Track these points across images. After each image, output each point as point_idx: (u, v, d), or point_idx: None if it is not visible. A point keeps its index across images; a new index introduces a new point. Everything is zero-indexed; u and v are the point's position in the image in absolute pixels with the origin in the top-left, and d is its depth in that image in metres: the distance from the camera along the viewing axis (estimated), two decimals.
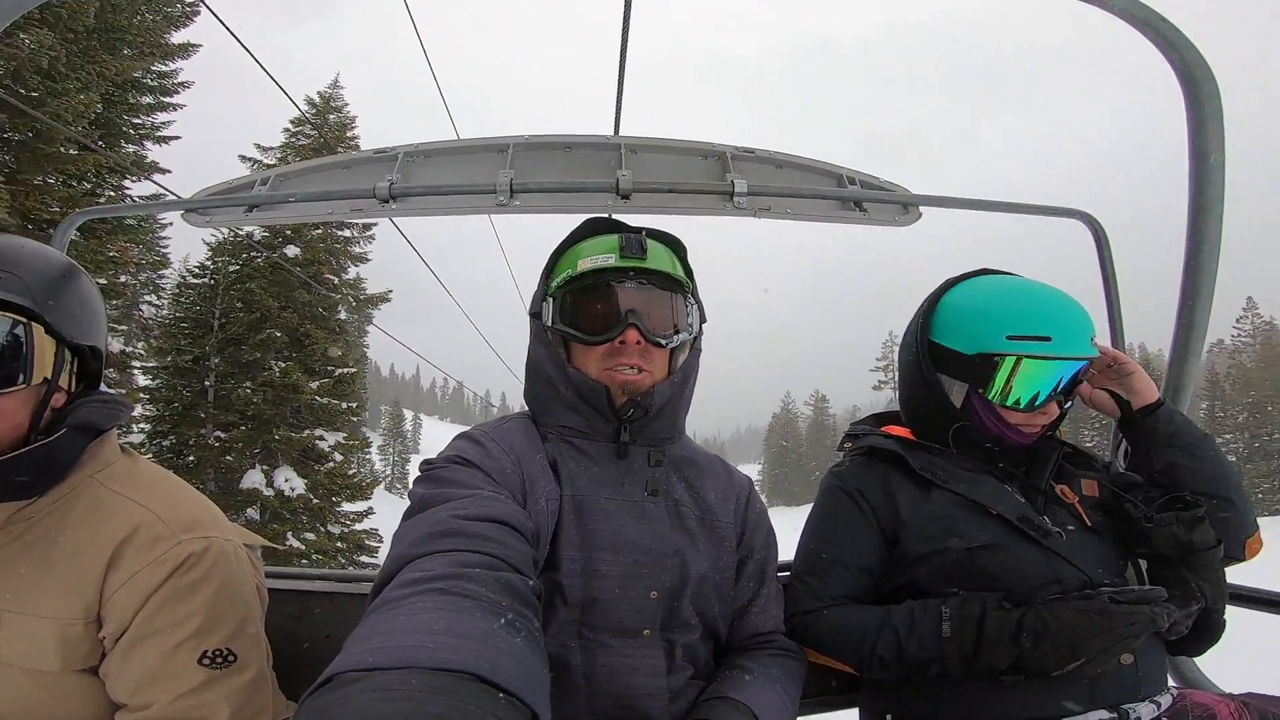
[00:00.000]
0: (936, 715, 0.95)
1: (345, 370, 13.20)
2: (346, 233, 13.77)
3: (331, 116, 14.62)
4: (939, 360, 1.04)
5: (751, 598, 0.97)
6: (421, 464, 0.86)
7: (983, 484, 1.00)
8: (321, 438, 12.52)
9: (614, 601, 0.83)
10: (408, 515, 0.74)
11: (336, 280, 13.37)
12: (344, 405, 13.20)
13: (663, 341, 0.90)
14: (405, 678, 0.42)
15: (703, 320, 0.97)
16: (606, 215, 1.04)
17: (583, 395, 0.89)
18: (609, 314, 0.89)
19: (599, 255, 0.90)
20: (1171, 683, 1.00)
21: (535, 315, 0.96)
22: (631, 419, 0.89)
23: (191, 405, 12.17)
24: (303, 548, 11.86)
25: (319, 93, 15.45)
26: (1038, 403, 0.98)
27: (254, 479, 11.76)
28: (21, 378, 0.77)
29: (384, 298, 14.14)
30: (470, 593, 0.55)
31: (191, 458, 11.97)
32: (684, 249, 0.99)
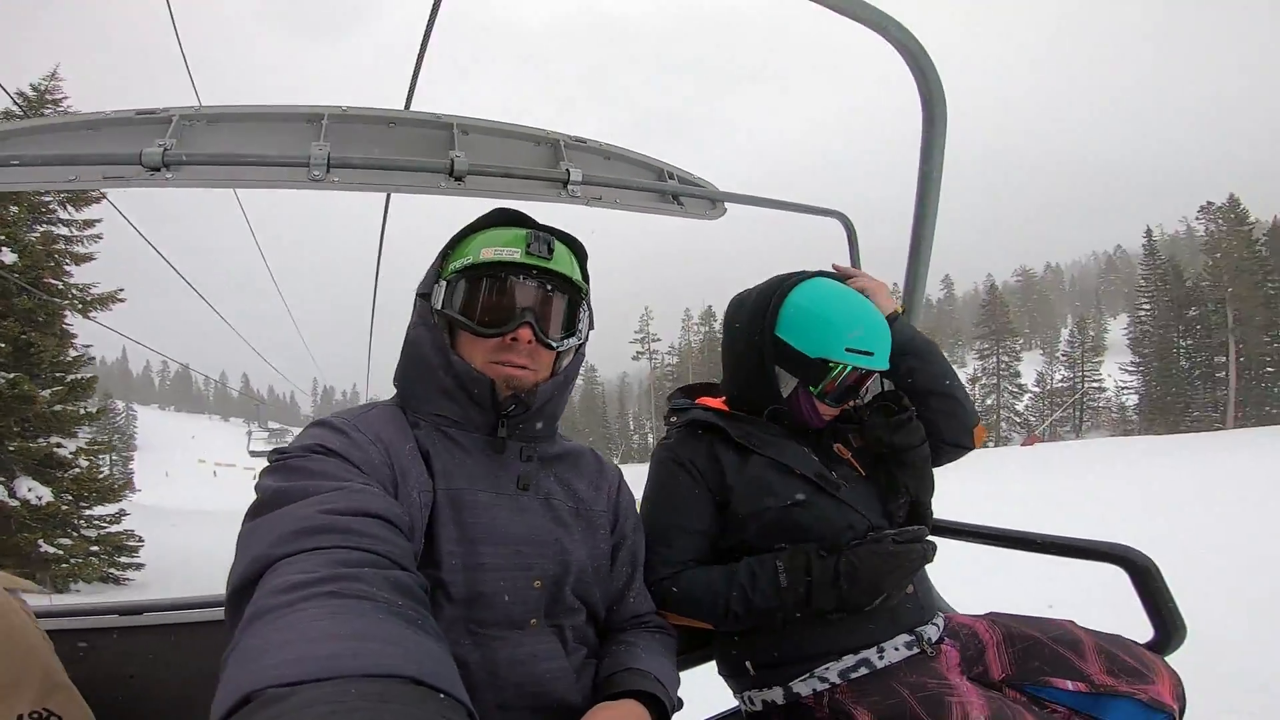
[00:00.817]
0: (784, 653, 1.06)
1: (79, 376, 12.19)
2: (65, 231, 12.90)
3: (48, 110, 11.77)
4: (779, 354, 1.15)
5: (627, 582, 1.01)
6: (272, 453, 0.77)
7: (787, 448, 1.14)
8: (60, 445, 12.19)
9: (499, 594, 0.82)
10: (257, 510, 0.67)
11: (60, 284, 12.58)
12: (81, 410, 12.77)
13: (554, 344, 0.90)
14: (341, 688, 0.39)
15: (591, 327, 0.97)
16: (447, 204, 1.03)
17: (463, 385, 0.87)
18: (505, 309, 0.87)
19: (503, 247, 0.88)
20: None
21: (423, 295, 0.91)
22: (511, 415, 0.89)
23: None
24: (60, 553, 11.88)
25: (31, 85, 12.57)
26: (843, 400, 1.17)
27: None
28: None
29: (115, 297, 13.10)
30: (364, 593, 0.52)
31: None
32: (585, 253, 0.99)
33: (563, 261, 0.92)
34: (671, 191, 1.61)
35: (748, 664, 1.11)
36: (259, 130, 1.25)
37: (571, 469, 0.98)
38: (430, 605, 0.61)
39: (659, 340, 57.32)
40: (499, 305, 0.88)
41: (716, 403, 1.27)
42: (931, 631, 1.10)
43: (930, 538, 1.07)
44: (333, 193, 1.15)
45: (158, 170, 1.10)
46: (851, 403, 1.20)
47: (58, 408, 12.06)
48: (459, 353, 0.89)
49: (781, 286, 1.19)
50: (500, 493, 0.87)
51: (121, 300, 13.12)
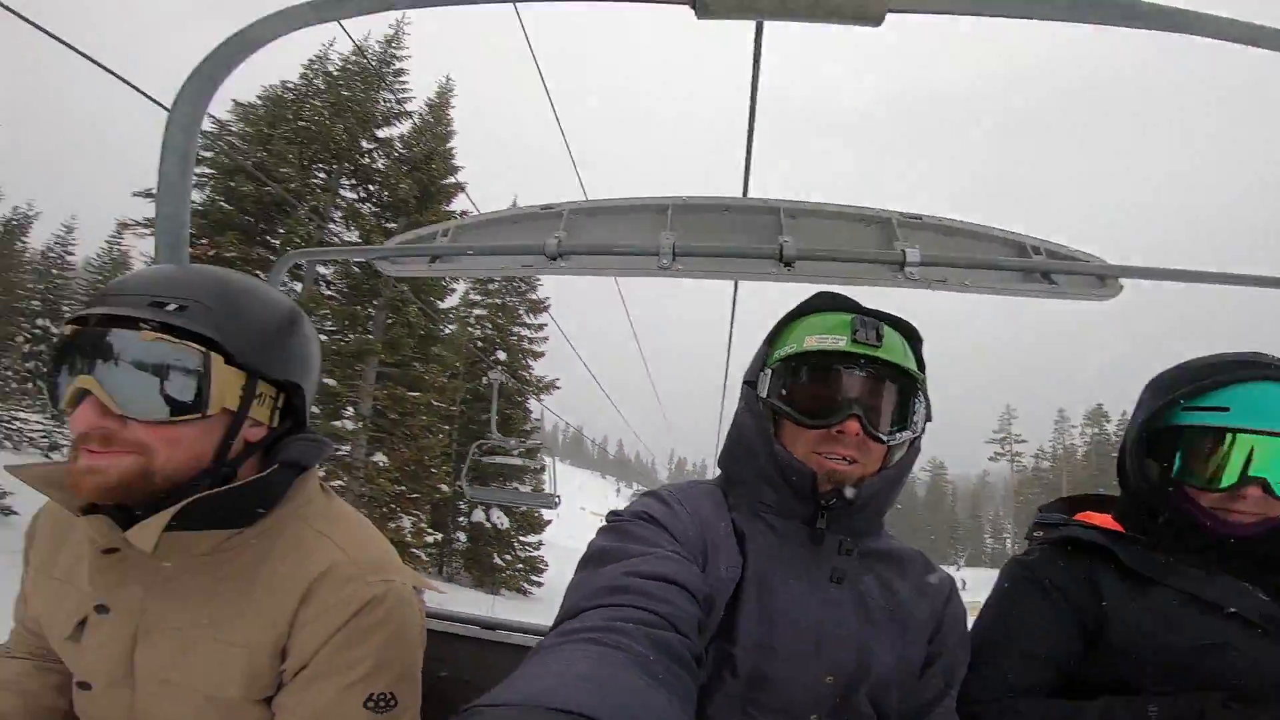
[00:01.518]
0: None
1: (534, 443, 18.77)
2: (529, 333, 19.87)
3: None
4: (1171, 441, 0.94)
5: (936, 697, 0.89)
6: (609, 514, 0.88)
7: (1213, 581, 0.89)
8: (518, 489, 17.65)
9: (785, 681, 0.79)
10: (584, 564, 0.77)
11: (529, 376, 19.64)
12: (532, 466, 18.23)
13: (884, 438, 0.85)
14: (527, 714, 0.44)
15: (928, 419, 0.90)
16: (834, 292, 0.97)
17: (784, 474, 0.86)
18: (831, 400, 0.84)
19: (829, 335, 0.86)
20: None
21: (750, 383, 0.93)
22: (832, 508, 0.85)
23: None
24: (502, 565, 18.51)
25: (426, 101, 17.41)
26: (1223, 482, 0.88)
27: (479, 515, 18.45)
28: (197, 407, 0.76)
29: (554, 385, 19.85)
30: (619, 644, 0.56)
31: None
32: (920, 339, 0.93)
33: (893, 349, 0.86)
34: (1040, 269, 1.28)
35: None
36: (620, 221, 1.47)
37: (895, 569, 0.91)
38: (696, 670, 0.62)
39: (1024, 441, 53.24)
40: (824, 396, 0.85)
41: (1104, 519, 1.02)
42: None
43: None
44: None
45: (554, 260, 1.39)
46: (1260, 492, 0.87)
47: (518, 462, 17.71)
48: (782, 441, 0.87)
49: (1176, 378, 0.96)
50: (811, 582, 0.84)
51: (559, 387, 19.26)
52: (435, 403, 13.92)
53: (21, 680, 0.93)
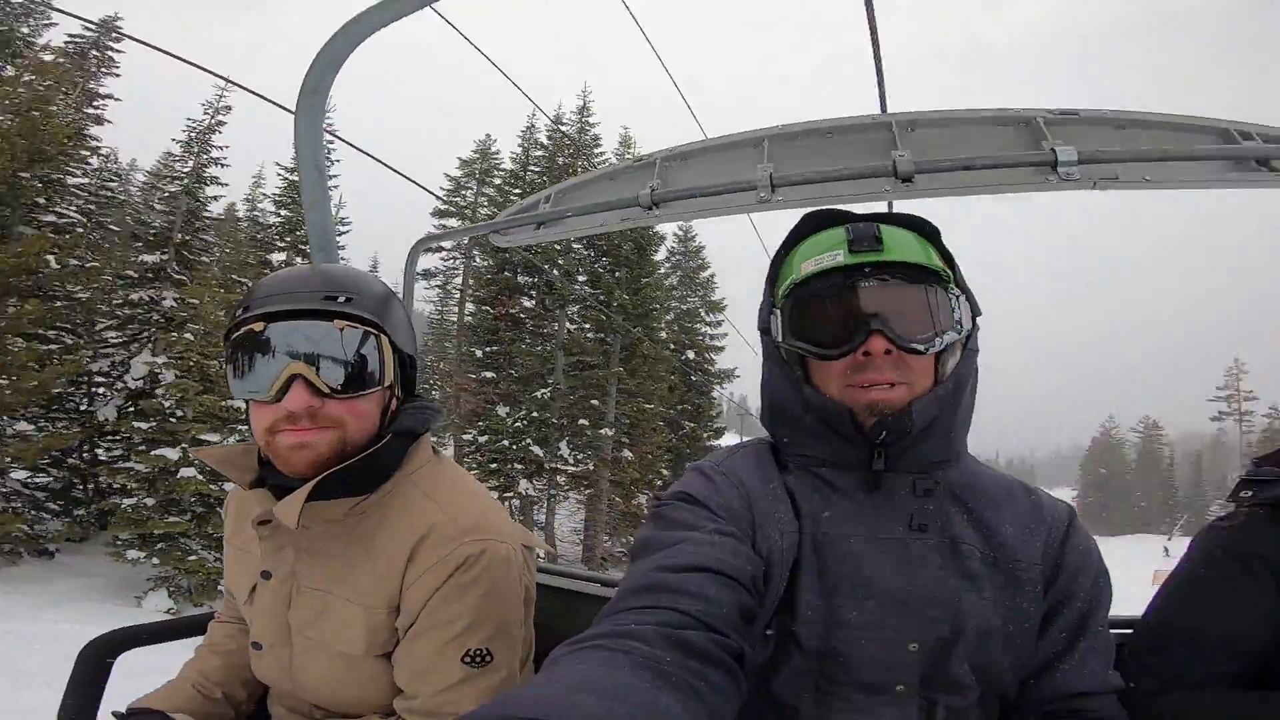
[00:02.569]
0: None
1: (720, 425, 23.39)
2: (708, 330, 22.36)
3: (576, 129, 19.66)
4: None
5: (1064, 650, 0.77)
6: (651, 499, 0.89)
7: None
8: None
9: (859, 656, 0.72)
10: (631, 559, 0.75)
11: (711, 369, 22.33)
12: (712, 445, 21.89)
13: (921, 348, 0.74)
14: None
15: (976, 314, 0.78)
16: (902, 211, 0.89)
17: (824, 420, 0.77)
18: (846, 321, 0.75)
19: (824, 254, 0.77)
20: None
21: (764, 331, 0.85)
22: (886, 443, 0.76)
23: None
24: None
25: (571, 110, 20.11)
26: None
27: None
28: (378, 381, 0.85)
29: (732, 374, 22.88)
30: (628, 649, 0.53)
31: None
32: (936, 230, 0.82)
33: (904, 246, 0.76)
34: (1253, 155, 1.01)
35: None
36: (717, 161, 1.43)
37: (993, 506, 0.79)
38: (730, 664, 0.59)
39: (1256, 399, 46.33)
40: (838, 318, 0.75)
41: None
42: None
43: None
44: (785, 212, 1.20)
45: (650, 209, 1.39)
46: None
47: (710, 442, 21.10)
48: (815, 384, 0.79)
49: None
50: (883, 537, 0.75)
51: (739, 375, 22.95)
52: (656, 407, 18.18)
53: (225, 641, 1.05)
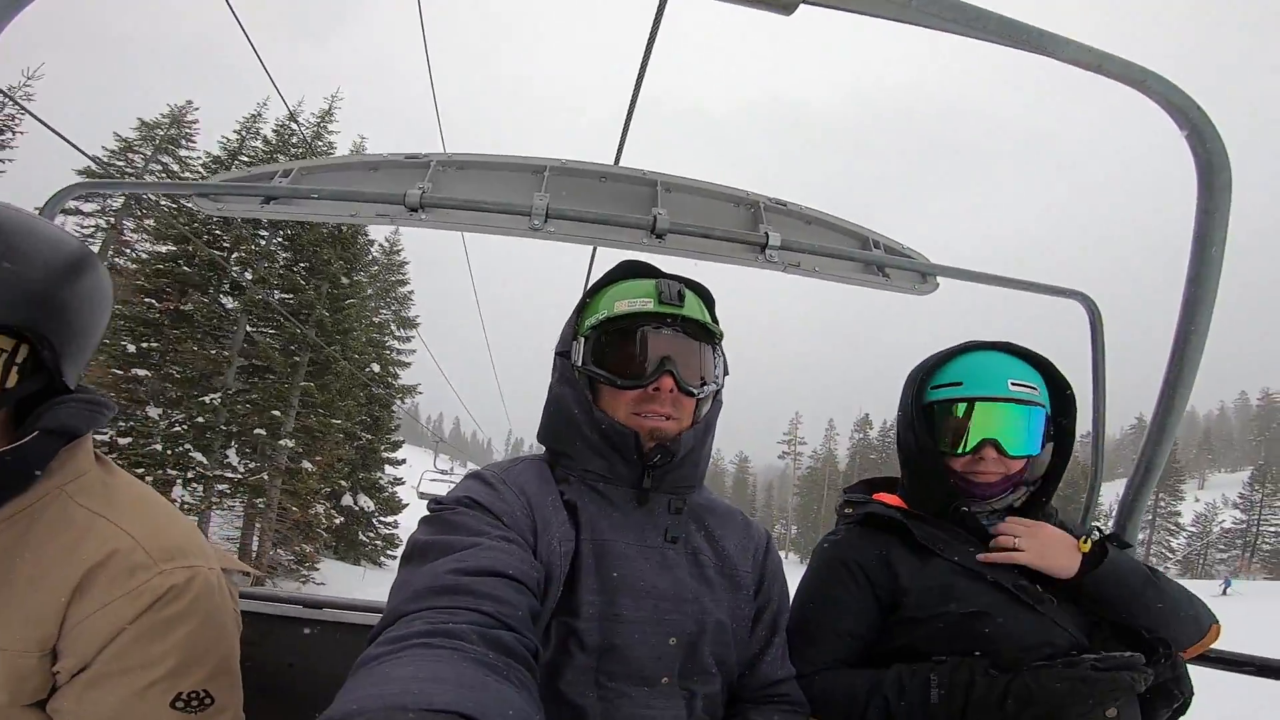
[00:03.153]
0: None
1: (397, 438, 23.15)
2: (397, 344, 22.51)
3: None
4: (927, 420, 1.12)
5: (764, 646, 0.96)
6: (430, 504, 0.84)
7: (978, 553, 1.03)
8: (379, 476, 22.33)
9: (633, 648, 0.81)
10: (406, 560, 0.74)
11: (392, 382, 22.38)
12: (392, 457, 23.18)
13: (694, 391, 0.89)
14: (387, 716, 0.43)
15: (726, 373, 0.97)
16: (637, 258, 1.04)
17: (609, 440, 0.88)
18: (644, 359, 0.88)
19: (636, 299, 0.90)
20: None
21: (562, 354, 0.94)
22: (657, 465, 0.88)
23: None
24: (366, 540, 21.91)
25: (317, 109, 18.72)
26: (965, 447, 1.06)
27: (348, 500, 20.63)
28: None
29: (416, 389, 23.53)
30: (453, 645, 0.56)
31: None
32: (713, 300, 1.00)
33: (694, 308, 0.92)
34: (877, 262, 1.44)
35: None
36: (495, 178, 1.38)
37: (720, 525, 0.97)
38: (531, 664, 0.62)
39: (805, 443, 65.26)
40: (638, 356, 0.88)
41: (894, 499, 1.17)
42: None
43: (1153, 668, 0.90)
44: (546, 243, 1.21)
45: (415, 211, 1.26)
46: (995, 453, 1.05)
47: (386, 454, 22.02)
48: (601, 408, 0.89)
49: (925, 363, 1.15)
50: (646, 546, 0.87)
51: (421, 393, 23.16)
52: (343, 422, 18.00)
53: None
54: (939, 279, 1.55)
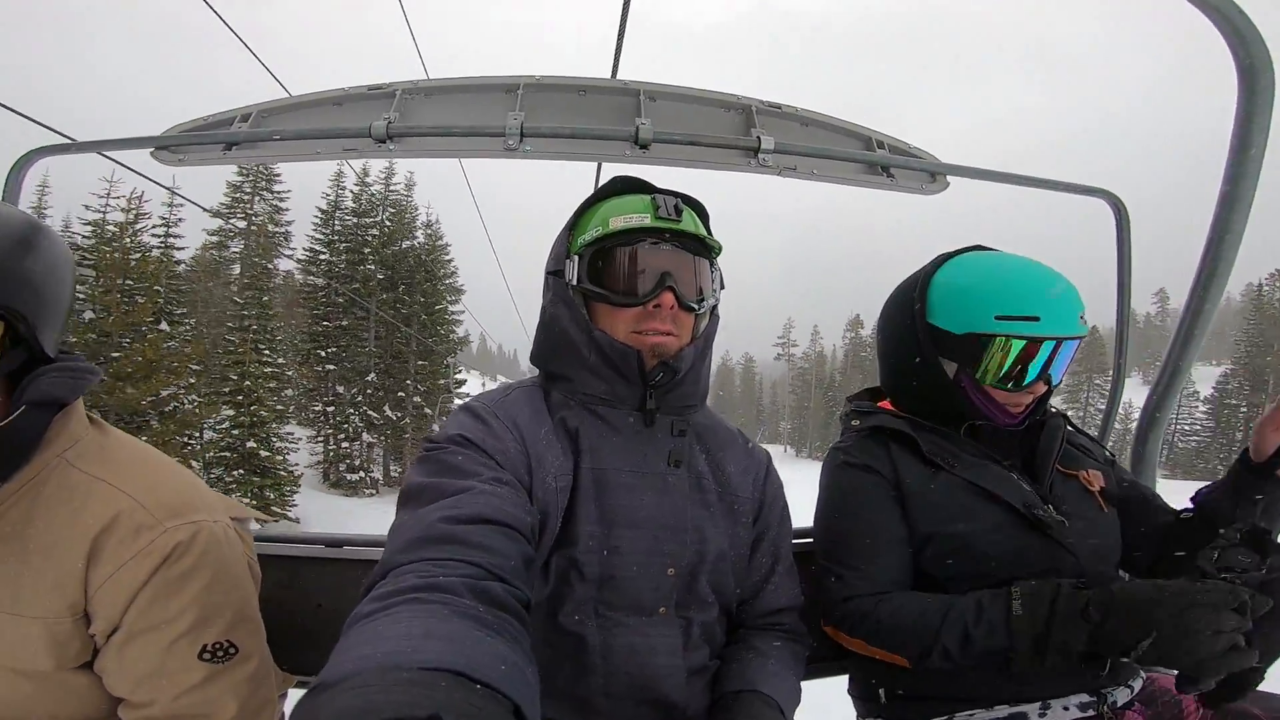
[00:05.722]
0: (925, 688, 0.94)
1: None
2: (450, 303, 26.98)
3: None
4: (935, 342, 1.00)
5: (766, 574, 0.95)
6: (424, 440, 0.81)
7: (988, 471, 0.98)
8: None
9: (632, 579, 0.81)
10: (402, 503, 0.72)
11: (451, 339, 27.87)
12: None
13: (695, 307, 0.86)
14: (381, 675, 0.43)
15: (721, 287, 0.92)
16: (629, 173, 0.96)
17: (609, 360, 0.84)
18: (644, 276, 0.84)
19: (632, 214, 0.85)
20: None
21: (555, 273, 0.89)
22: (660, 384, 0.85)
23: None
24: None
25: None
26: (1025, 382, 0.96)
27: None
28: None
29: (466, 341, 28.99)
30: (443, 600, 0.55)
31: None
32: (708, 214, 0.94)
33: (691, 222, 0.88)
34: (881, 163, 1.34)
35: (881, 691, 1.00)
36: (466, 101, 1.29)
37: (722, 448, 0.95)
38: (523, 614, 0.61)
39: (797, 345, 70.49)
40: (638, 273, 0.84)
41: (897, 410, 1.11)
42: (1120, 695, 0.90)
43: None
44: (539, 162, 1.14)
45: (383, 142, 1.19)
46: (1046, 387, 0.98)
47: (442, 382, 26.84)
48: (600, 327, 0.85)
49: (928, 267, 1.06)
50: (648, 472, 0.85)
51: (470, 343, 27.05)
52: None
53: None
54: (949, 179, 1.45)
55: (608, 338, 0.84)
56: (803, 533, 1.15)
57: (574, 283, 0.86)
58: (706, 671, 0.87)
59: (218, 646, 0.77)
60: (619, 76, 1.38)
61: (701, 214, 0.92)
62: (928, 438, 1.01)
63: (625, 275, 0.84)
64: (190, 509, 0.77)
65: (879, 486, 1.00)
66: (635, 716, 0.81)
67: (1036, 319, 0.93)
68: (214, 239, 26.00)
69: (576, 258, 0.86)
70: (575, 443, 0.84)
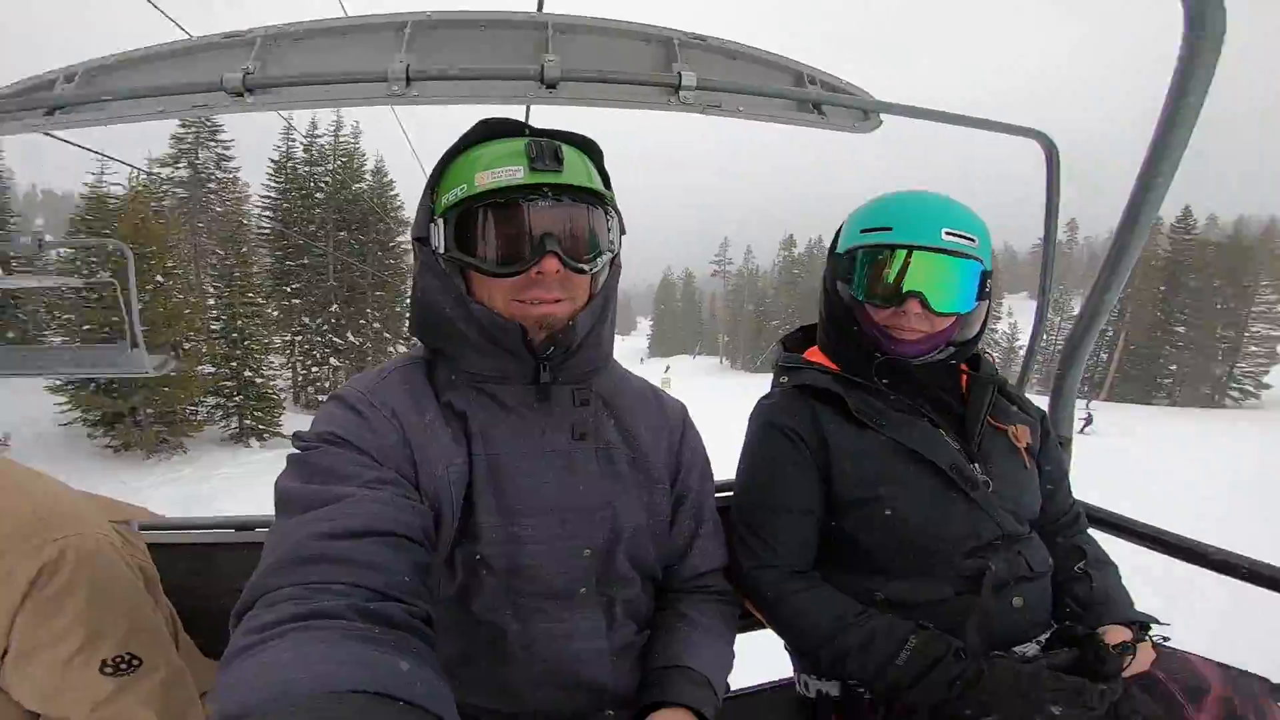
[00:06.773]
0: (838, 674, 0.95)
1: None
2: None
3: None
4: (834, 269, 1.05)
5: (690, 538, 0.90)
6: (294, 437, 0.70)
7: (917, 428, 0.96)
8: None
9: (542, 566, 0.75)
10: (277, 509, 0.64)
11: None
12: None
13: (585, 268, 0.75)
14: (285, 707, 0.41)
15: (622, 232, 0.81)
16: (507, 115, 0.82)
17: (491, 336, 0.74)
18: (521, 240, 0.72)
19: (502, 168, 0.71)
20: None
21: (421, 240, 0.76)
22: (551, 357, 0.76)
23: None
24: None
25: None
26: (883, 294, 0.95)
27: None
28: None
29: None
30: (330, 625, 0.50)
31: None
32: (599, 151, 0.81)
33: (576, 170, 0.75)
34: (813, 99, 1.26)
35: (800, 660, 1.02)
36: (343, 45, 1.11)
37: (632, 411, 0.87)
38: (424, 629, 0.56)
39: (732, 264, 74.79)
40: (513, 237, 0.72)
41: (828, 361, 1.08)
42: (1031, 650, 0.92)
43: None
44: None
45: (240, 96, 1.01)
46: (920, 306, 0.94)
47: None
48: (477, 298, 0.75)
49: (859, 209, 1.05)
50: (548, 450, 0.77)
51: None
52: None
53: None
54: (882, 117, 1.39)
55: (487, 311, 0.73)
56: (725, 486, 1.11)
57: (441, 250, 0.74)
58: (634, 647, 0.82)
59: (119, 659, 0.75)
60: (545, 10, 1.23)
61: (592, 153, 0.80)
62: (855, 394, 0.98)
63: (498, 241, 0.72)
64: (51, 527, 0.74)
65: (798, 453, 0.97)
66: (562, 701, 0.76)
67: (889, 229, 0.95)
68: (181, 193, 25.29)
69: (442, 221, 0.74)
70: (465, 427, 0.75)
